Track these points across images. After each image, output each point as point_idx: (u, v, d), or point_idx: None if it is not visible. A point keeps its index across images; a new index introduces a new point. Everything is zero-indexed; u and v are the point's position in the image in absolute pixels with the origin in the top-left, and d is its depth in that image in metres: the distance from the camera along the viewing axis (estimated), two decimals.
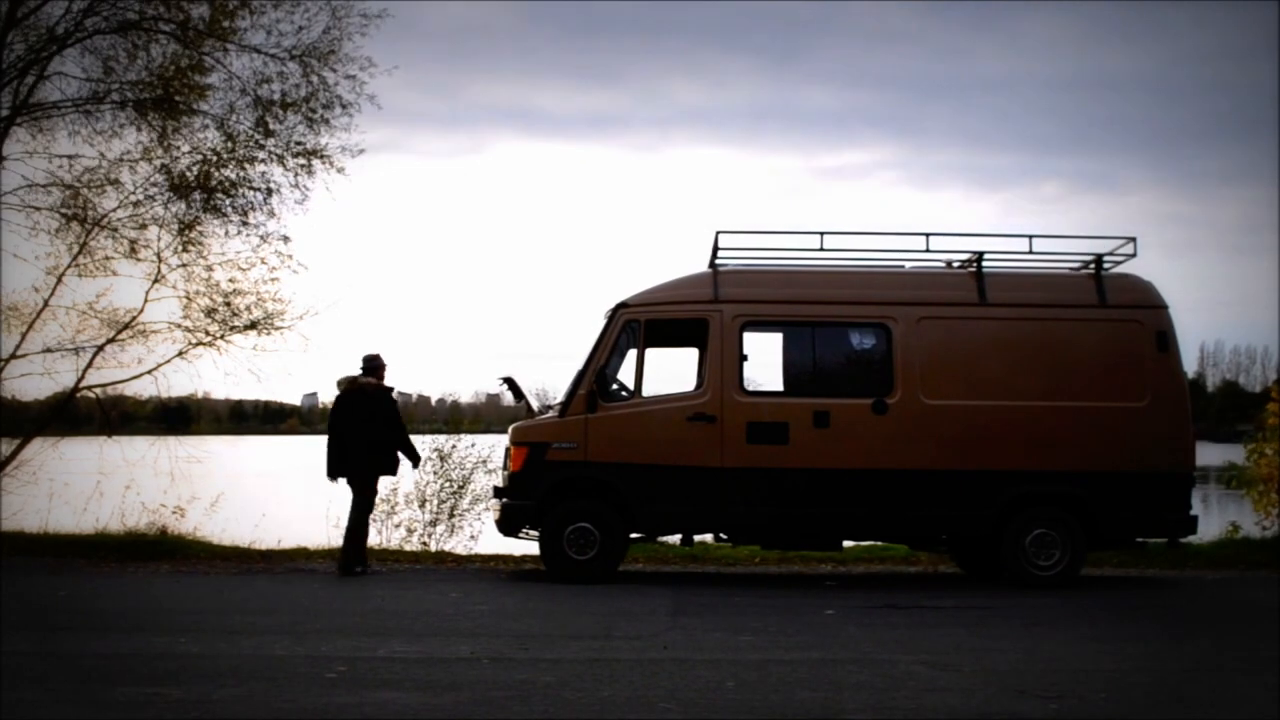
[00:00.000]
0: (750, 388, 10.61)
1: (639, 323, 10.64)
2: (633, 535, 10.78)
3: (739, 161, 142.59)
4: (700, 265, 11.15)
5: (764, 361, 10.92)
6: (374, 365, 11.42)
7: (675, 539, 11.07)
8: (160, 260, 14.01)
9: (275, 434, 75.91)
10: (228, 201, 13.89)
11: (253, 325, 14.00)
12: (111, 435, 14.65)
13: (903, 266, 11.31)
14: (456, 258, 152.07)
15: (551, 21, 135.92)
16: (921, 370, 10.52)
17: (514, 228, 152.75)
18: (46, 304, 13.87)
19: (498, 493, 11.17)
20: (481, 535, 14.01)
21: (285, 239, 14.02)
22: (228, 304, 14.02)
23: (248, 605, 9.17)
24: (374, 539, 13.67)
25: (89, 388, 14.17)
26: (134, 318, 14.03)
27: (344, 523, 11.23)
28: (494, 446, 13.97)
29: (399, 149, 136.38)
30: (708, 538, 11.39)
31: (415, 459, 11.66)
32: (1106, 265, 11.00)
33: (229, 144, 13.93)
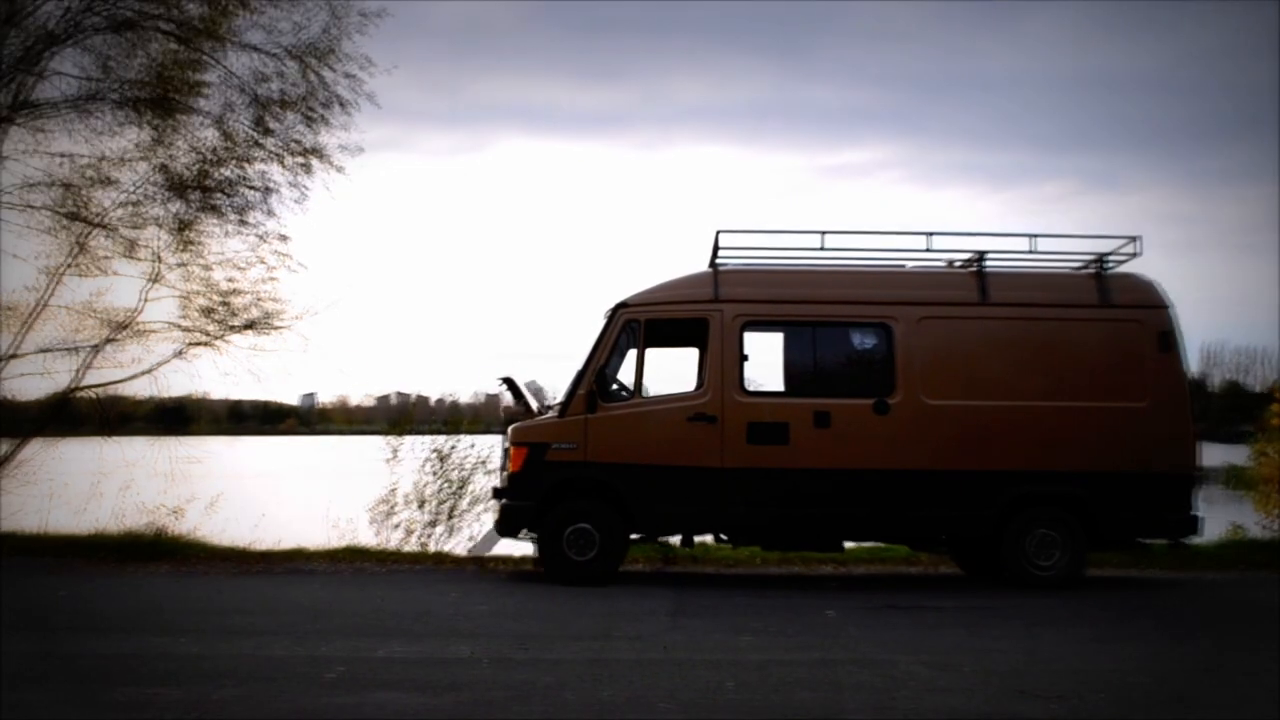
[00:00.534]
0: (751, 388, 10.63)
1: (639, 322, 10.66)
2: (633, 536, 10.80)
3: (742, 160, 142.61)
4: (701, 265, 11.18)
5: (765, 361, 10.95)
6: None
7: (676, 539, 11.08)
8: (158, 260, 14.03)
9: (274, 434, 75.96)
10: (226, 201, 13.92)
11: (251, 325, 14.02)
12: (109, 435, 14.65)
13: (904, 266, 11.33)
14: (457, 256, 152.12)
15: (554, 19, 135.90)
16: (922, 370, 10.55)
17: (515, 226, 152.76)
18: (44, 303, 13.89)
19: (497, 493, 11.19)
20: (480, 536, 14.00)
21: (284, 238, 14.04)
22: (226, 304, 14.03)
23: (246, 606, 9.19)
24: (372, 540, 13.72)
25: (87, 388, 14.18)
26: (132, 317, 14.04)
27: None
28: (493, 447, 13.98)
29: (401, 147, 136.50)
30: (708, 539, 11.40)
31: None
32: (1109, 265, 11.03)
33: (227, 143, 13.94)
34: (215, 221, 13.97)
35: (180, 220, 13.95)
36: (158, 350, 14.07)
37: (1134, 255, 10.91)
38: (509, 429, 10.97)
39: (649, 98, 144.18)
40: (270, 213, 13.96)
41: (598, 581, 10.34)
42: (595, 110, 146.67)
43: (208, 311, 14.01)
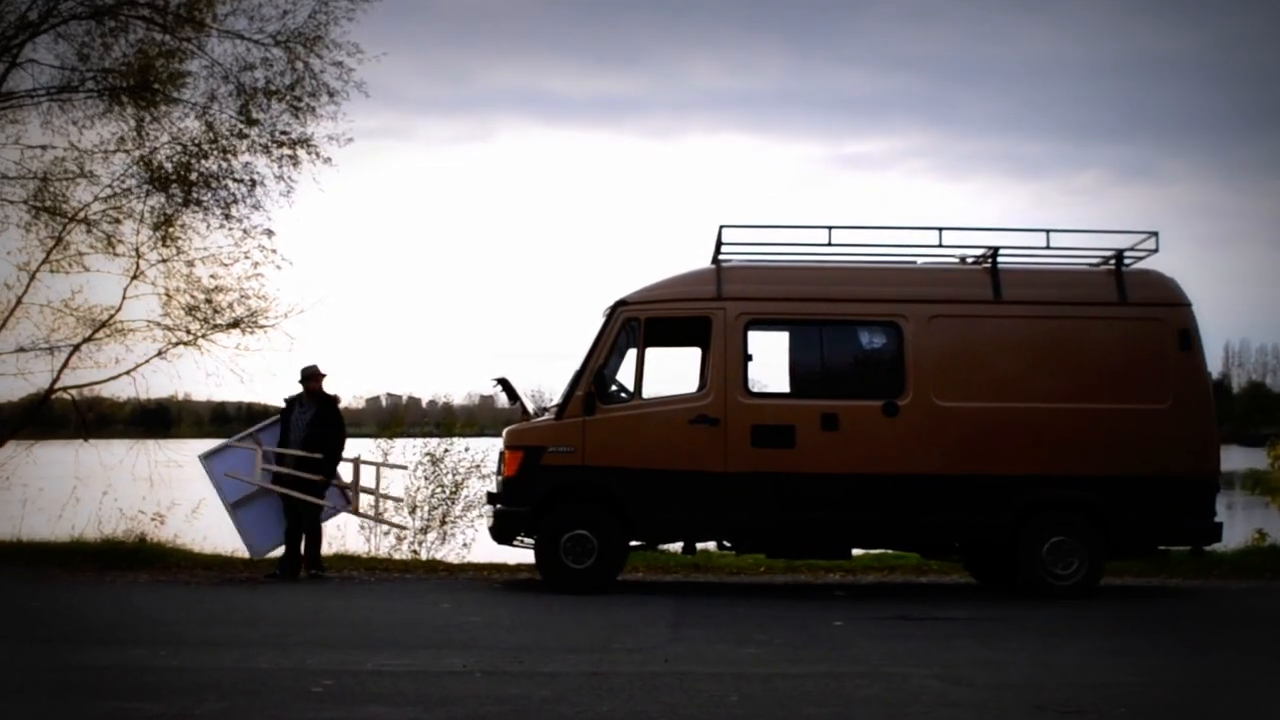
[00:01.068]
0: (755, 389, 10.61)
1: (639, 321, 10.65)
2: (632, 543, 10.79)
3: (759, 148, 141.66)
4: (704, 261, 11.16)
5: (769, 361, 10.93)
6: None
7: (677, 547, 11.07)
8: (139, 256, 14.04)
9: None
10: (209, 194, 13.92)
11: (235, 323, 14.03)
12: (88, 438, 14.68)
13: (915, 262, 11.32)
14: (454, 251, 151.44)
15: (564, 0, 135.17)
16: (934, 371, 10.53)
17: (517, 219, 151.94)
18: (20, 301, 13.90)
19: (491, 499, 11.18)
20: (475, 543, 14.02)
21: (269, 233, 14.06)
22: (209, 301, 14.04)
23: (230, 616, 9.18)
24: (362, 547, 13.72)
25: (64, 389, 14.20)
26: (111, 316, 14.05)
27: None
28: (488, 450, 13.98)
29: (401, 135, 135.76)
30: (711, 546, 11.40)
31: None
32: (1127, 261, 11.00)
33: (210, 134, 13.95)
34: (198, 216, 13.99)
35: (162, 214, 13.96)
36: (138, 350, 14.11)
37: (1152, 251, 10.90)
38: (504, 432, 10.97)
39: (662, 84, 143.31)
40: (256, 206, 13.97)
41: (596, 590, 10.32)
42: (606, 96, 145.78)
43: (190, 309, 14.03)
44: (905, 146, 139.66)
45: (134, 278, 14.06)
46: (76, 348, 13.97)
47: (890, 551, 12.63)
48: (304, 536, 11.45)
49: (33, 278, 13.92)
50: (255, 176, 13.95)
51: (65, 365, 13.95)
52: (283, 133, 13.89)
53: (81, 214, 13.96)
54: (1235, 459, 20.23)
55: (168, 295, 14.08)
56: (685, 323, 10.86)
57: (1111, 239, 11.05)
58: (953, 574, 12.29)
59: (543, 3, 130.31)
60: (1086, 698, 6.40)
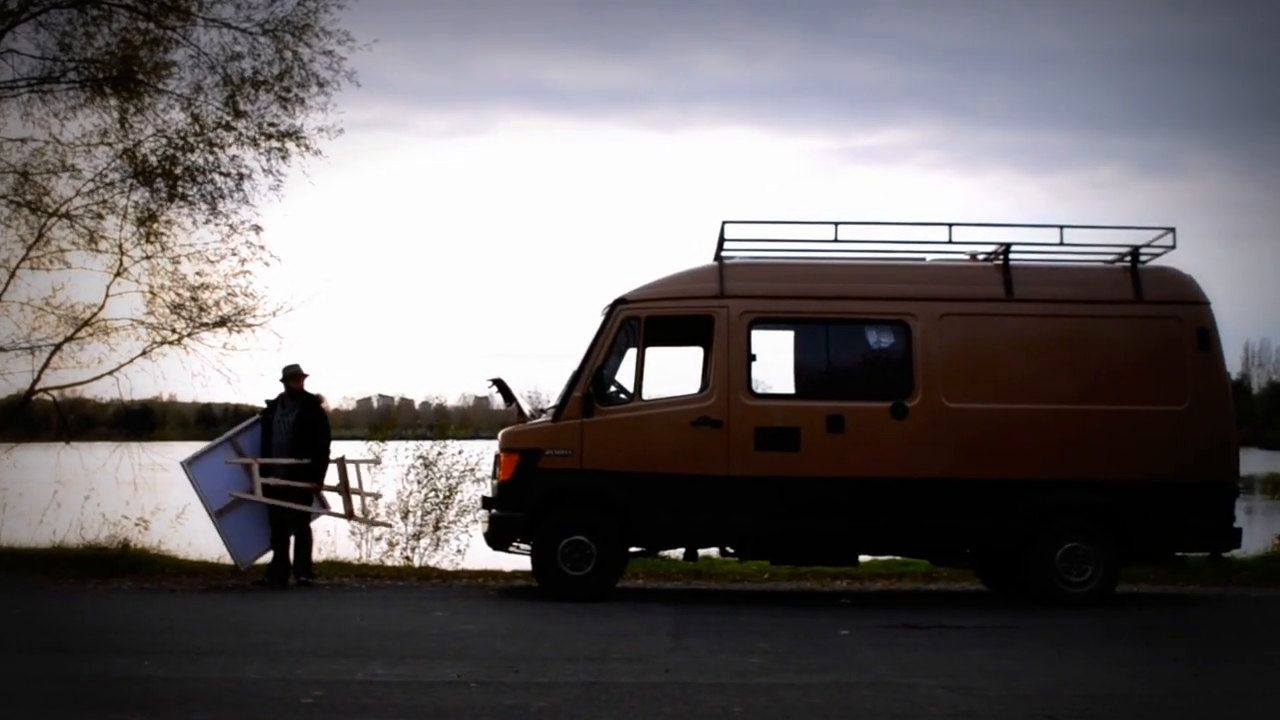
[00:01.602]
0: (759, 390, 10.62)
1: (639, 320, 10.66)
2: (632, 549, 10.80)
3: (766, 141, 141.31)
4: (706, 257, 11.17)
5: (774, 361, 10.95)
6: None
7: (678, 553, 11.07)
8: (122, 252, 14.04)
9: None
10: (195, 188, 13.93)
11: (222, 322, 14.03)
12: (70, 441, 14.68)
13: (924, 259, 11.33)
14: (448, 247, 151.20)
15: None
16: (943, 371, 10.54)
17: (514, 214, 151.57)
18: None
19: (486, 503, 11.20)
20: (469, 549, 14.03)
21: (257, 228, 14.07)
22: (195, 299, 14.05)
23: (217, 624, 9.19)
24: (353, 553, 13.74)
25: (45, 390, 14.20)
26: (94, 314, 14.06)
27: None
28: (483, 453, 13.99)
29: (394, 127, 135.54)
30: (713, 552, 11.41)
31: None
32: (1144, 257, 11.01)
33: (196, 126, 13.96)
34: (184, 211, 14.00)
35: (146, 209, 13.97)
36: (122, 349, 14.11)
37: (1169, 248, 10.91)
38: (499, 434, 10.98)
39: (665, 74, 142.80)
40: (243, 201, 13.98)
41: (594, 598, 10.34)
42: (608, 86, 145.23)
43: (176, 307, 14.04)
44: (918, 139, 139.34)
45: (117, 275, 14.07)
46: (58, 347, 13.98)
47: (898, 558, 12.66)
48: (293, 541, 11.47)
49: (12, 275, 13.93)
50: (243, 170, 13.97)
51: (46, 365, 13.96)
52: (271, 125, 13.92)
53: (63, 209, 13.98)
54: (1255, 462, 20.28)
55: (152, 293, 14.09)
56: (687, 321, 10.87)
57: (1127, 235, 11.07)
58: (963, 581, 12.30)
59: None
60: (1101, 709, 6.42)
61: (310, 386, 11.71)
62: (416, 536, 14.26)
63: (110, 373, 14.09)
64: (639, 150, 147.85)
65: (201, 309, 14.03)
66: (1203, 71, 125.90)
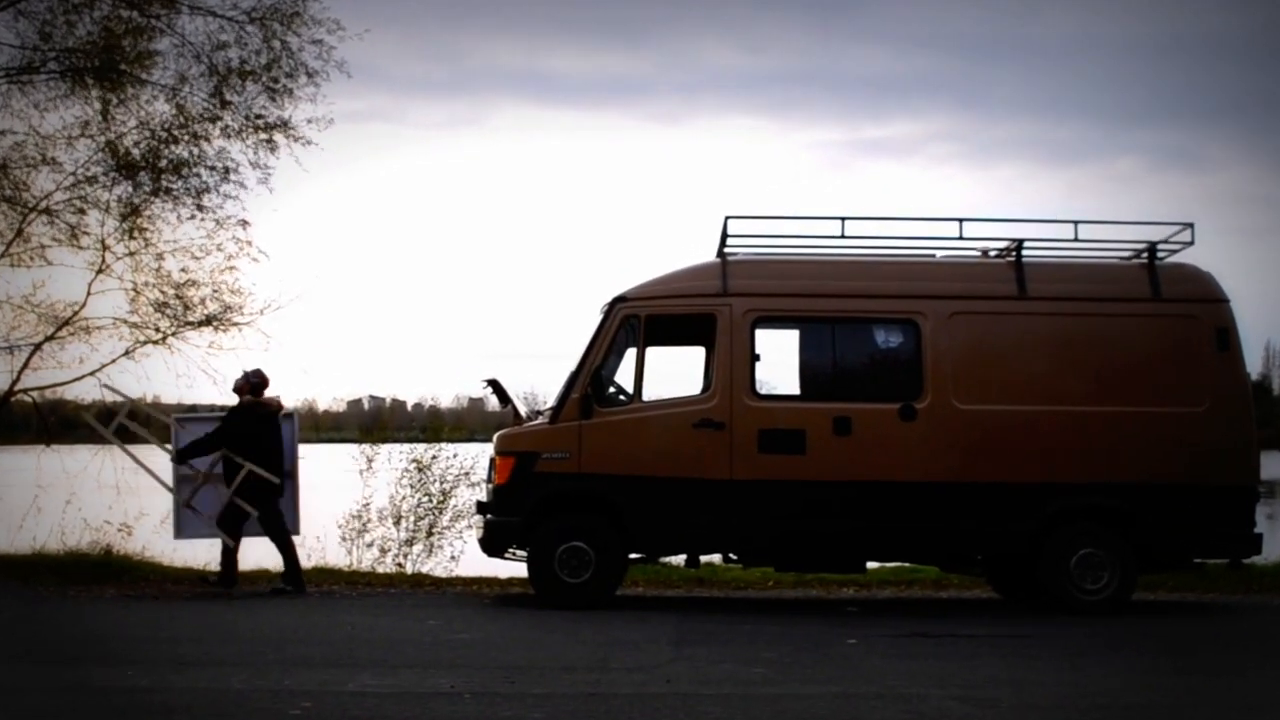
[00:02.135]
0: (763, 391, 10.63)
1: (639, 318, 10.66)
2: (632, 556, 10.80)
3: (772, 133, 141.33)
4: (708, 254, 11.17)
5: (778, 362, 10.96)
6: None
7: (679, 560, 11.06)
8: (104, 248, 14.04)
9: None
10: (179, 182, 13.92)
11: (208, 321, 14.03)
12: (50, 443, 14.66)
13: (934, 256, 11.33)
14: (442, 243, 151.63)
15: None
16: (954, 371, 10.54)
17: (510, 209, 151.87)
18: None
19: (481, 508, 11.19)
20: (463, 555, 14.03)
21: (244, 224, 14.06)
22: (180, 297, 14.05)
23: (202, 633, 9.18)
24: (344, 559, 13.74)
25: (25, 390, 14.19)
26: (75, 313, 14.05)
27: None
28: (478, 457, 13.99)
29: (390, 118, 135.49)
30: (715, 558, 11.40)
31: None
32: (1161, 254, 11.01)
33: (181, 118, 13.96)
34: (168, 206, 13.99)
35: (129, 204, 13.96)
36: (104, 349, 14.10)
37: (1188, 244, 10.91)
38: (495, 436, 10.98)
39: (668, 63, 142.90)
40: (231, 194, 13.97)
41: (593, 606, 10.33)
42: (610, 76, 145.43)
43: (160, 306, 14.03)
44: (930, 131, 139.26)
45: (99, 272, 14.06)
46: (38, 347, 13.97)
47: (907, 564, 12.65)
48: (278, 548, 11.47)
49: None
50: (229, 163, 13.97)
51: (26, 365, 13.95)
52: (258, 116, 13.92)
53: (43, 204, 13.97)
54: (1276, 466, 20.25)
55: (135, 291, 14.09)
56: (688, 320, 10.86)
57: (1144, 231, 11.07)
58: (974, 588, 12.30)
59: None
60: None
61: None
62: (409, 542, 14.26)
63: (92, 373, 14.08)
64: (640, 142, 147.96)
65: (186, 307, 14.03)
66: (1223, 63, 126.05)
